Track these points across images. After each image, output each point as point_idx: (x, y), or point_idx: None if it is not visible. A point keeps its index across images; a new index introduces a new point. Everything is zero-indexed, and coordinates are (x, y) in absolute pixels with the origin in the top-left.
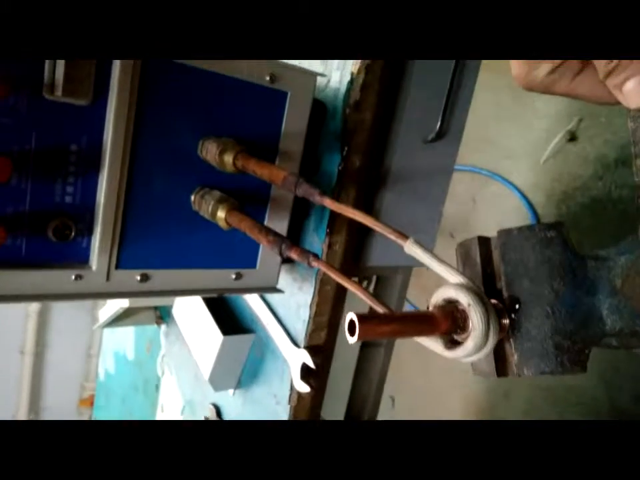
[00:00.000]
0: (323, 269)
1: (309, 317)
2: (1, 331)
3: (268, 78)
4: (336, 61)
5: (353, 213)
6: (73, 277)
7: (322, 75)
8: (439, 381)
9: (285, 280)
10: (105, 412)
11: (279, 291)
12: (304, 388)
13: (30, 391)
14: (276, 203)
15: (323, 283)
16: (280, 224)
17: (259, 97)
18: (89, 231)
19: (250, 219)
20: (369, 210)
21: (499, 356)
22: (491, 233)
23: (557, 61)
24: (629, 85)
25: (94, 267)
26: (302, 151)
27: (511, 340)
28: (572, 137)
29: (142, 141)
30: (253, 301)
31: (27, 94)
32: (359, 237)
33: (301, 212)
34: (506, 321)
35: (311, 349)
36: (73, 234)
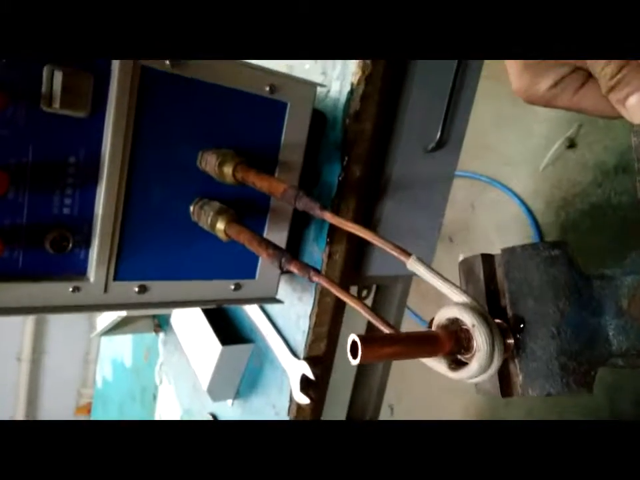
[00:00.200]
0: (324, 284)
1: (309, 328)
2: None
3: (267, 88)
4: (336, 71)
5: (353, 227)
6: (71, 289)
7: (322, 85)
8: (438, 388)
9: (284, 290)
10: (102, 419)
11: (279, 301)
12: (303, 399)
13: (27, 398)
14: (275, 214)
15: (322, 293)
16: (279, 235)
17: (259, 107)
18: (87, 243)
19: (249, 231)
20: (369, 220)
21: (504, 376)
22: (490, 238)
23: (559, 75)
24: (632, 100)
25: (92, 279)
26: (302, 162)
27: (516, 360)
28: (571, 144)
29: (140, 152)
30: (252, 311)
31: (24, 106)
32: (359, 247)
33: (300, 221)
34: (511, 341)
35: (311, 359)
36: (70, 246)
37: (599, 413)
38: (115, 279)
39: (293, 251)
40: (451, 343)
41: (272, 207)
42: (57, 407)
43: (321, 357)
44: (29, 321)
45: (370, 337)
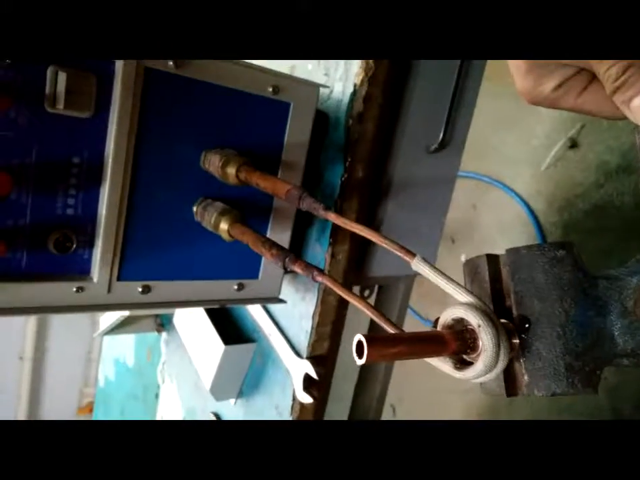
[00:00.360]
0: (327, 283)
1: (312, 327)
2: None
3: (270, 89)
4: (339, 72)
5: (357, 228)
6: (75, 289)
7: (325, 86)
8: (440, 388)
9: (287, 290)
10: (104, 419)
11: (282, 301)
12: (306, 399)
13: (29, 397)
14: (278, 214)
15: (325, 293)
16: (282, 235)
17: (262, 108)
18: (91, 243)
19: (253, 231)
20: (372, 220)
21: (509, 376)
22: (492, 239)
23: (563, 76)
24: (637, 102)
25: (95, 279)
26: (305, 162)
27: (521, 360)
28: (573, 144)
29: (144, 152)
30: (255, 311)
31: (28, 107)
32: (362, 247)
33: (303, 221)
34: (516, 341)
35: (314, 359)
36: (74, 246)
37: (601, 413)
38: (118, 279)
39: (296, 251)
40: (457, 343)
41: (275, 207)
42: (59, 406)
43: (323, 357)
44: (32, 319)
45: (375, 336)
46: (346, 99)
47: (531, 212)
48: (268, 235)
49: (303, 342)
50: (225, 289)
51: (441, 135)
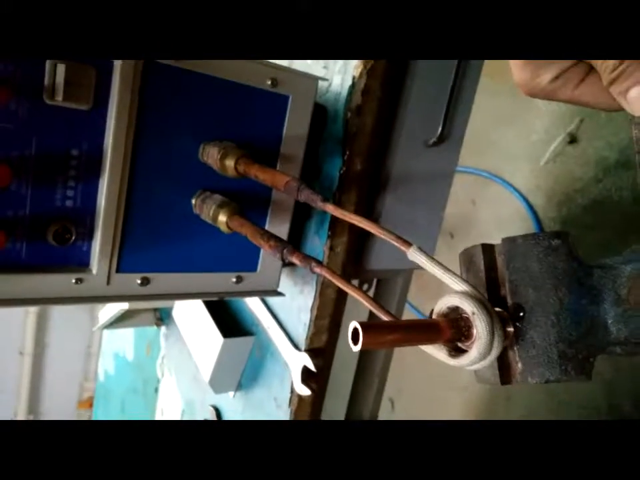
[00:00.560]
0: (325, 274)
1: (310, 320)
2: (0, 332)
3: (269, 82)
4: (337, 65)
5: (355, 219)
6: (74, 281)
7: (323, 79)
8: (439, 383)
9: (285, 283)
10: (104, 414)
11: (280, 294)
12: (304, 391)
13: (29, 392)
14: (277, 206)
15: (324, 286)
16: (281, 227)
17: (260, 101)
18: (90, 235)
19: (251, 223)
20: (370, 213)
21: (503, 364)
22: (491, 234)
23: (561, 68)
24: (633, 93)
25: (94, 271)
26: (303, 155)
27: (515, 348)
28: (572, 139)
29: (143, 144)
30: (253, 304)
31: (27, 99)
32: (360, 240)
33: (302, 214)
34: (510, 329)
35: (312, 351)
36: (73, 238)
37: (598, 410)
38: (117, 270)
39: (295, 244)
40: (451, 331)
41: (273, 199)
42: (60, 400)
43: (322, 349)
44: (31, 314)
45: (371, 323)
46: (344, 91)
47: (530, 207)
48: (267, 228)
49: (301, 335)
50: (223, 281)
51: (440, 129)
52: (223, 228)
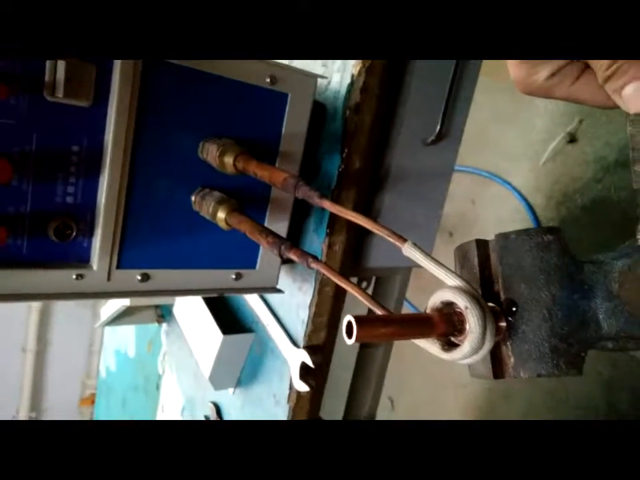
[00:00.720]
0: (322, 270)
1: (309, 317)
2: (2, 329)
3: (268, 80)
4: (337, 63)
5: (352, 215)
6: (74, 277)
7: (322, 76)
8: (438, 382)
9: (284, 280)
10: (106, 410)
11: (279, 291)
12: (303, 387)
13: (31, 389)
14: (276, 204)
15: (322, 283)
16: (280, 225)
17: (260, 98)
18: (90, 231)
19: (250, 220)
20: (369, 211)
21: (496, 358)
22: (490, 233)
23: (557, 65)
24: (628, 90)
25: (95, 267)
26: (302, 153)
27: (508, 342)
28: (572, 139)
29: (143, 141)
30: (253, 301)
31: (27, 95)
32: (359, 238)
33: (301, 212)
34: (503, 324)
35: (310, 348)
36: (74, 234)
37: (597, 410)
38: (117, 267)
39: (294, 241)
40: (444, 325)
41: (273, 197)
42: (62, 397)
43: (320, 346)
44: (34, 311)
45: (365, 317)
46: (343, 89)
47: (529, 206)
48: (266, 225)
49: (299, 332)
50: (222, 278)
51: (438, 127)
52: (222, 224)
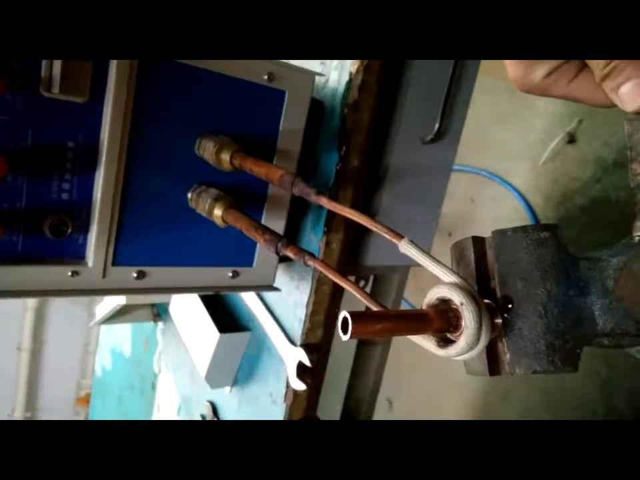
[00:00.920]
0: (319, 267)
1: (305, 316)
2: None
3: (266, 77)
4: (335, 61)
5: (348, 212)
6: (69, 273)
7: (320, 74)
8: (437, 383)
9: (281, 278)
10: (102, 410)
11: (276, 289)
12: (300, 386)
13: (27, 388)
14: (273, 202)
15: (319, 282)
16: (277, 222)
17: (257, 95)
18: (86, 228)
19: (246, 217)
20: (367, 210)
21: (492, 355)
22: (489, 233)
23: (554, 64)
24: (625, 88)
25: (90, 264)
26: (300, 150)
27: (504, 339)
28: (571, 139)
29: (139, 138)
30: (249, 299)
31: (23, 91)
32: (357, 236)
33: (298, 210)
34: (499, 321)
35: (307, 347)
36: (69, 230)
37: (594, 410)
38: (113, 264)
39: (291, 239)
40: (440, 321)
41: (270, 194)
42: (57, 397)
43: (317, 345)
44: (29, 310)
45: (360, 313)
46: (341, 87)
47: (529, 206)
48: (263, 223)
49: (296, 330)
50: (219, 275)
51: (437, 126)
52: (218, 222)
